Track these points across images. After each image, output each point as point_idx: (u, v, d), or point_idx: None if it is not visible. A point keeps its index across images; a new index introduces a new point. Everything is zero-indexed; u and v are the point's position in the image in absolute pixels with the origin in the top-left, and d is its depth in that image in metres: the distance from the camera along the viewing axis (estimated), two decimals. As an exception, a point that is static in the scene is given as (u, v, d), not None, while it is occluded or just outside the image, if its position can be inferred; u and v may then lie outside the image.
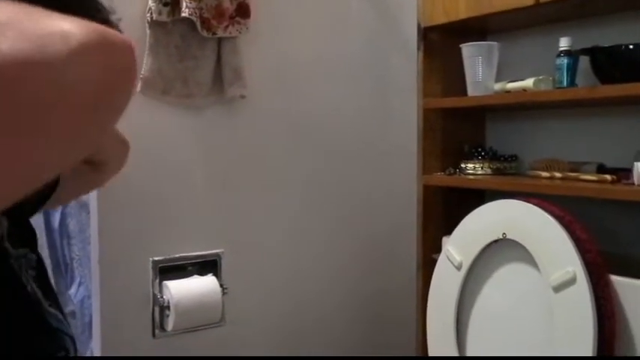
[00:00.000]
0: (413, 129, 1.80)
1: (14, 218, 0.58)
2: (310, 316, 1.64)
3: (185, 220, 1.43)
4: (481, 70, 1.63)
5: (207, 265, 1.45)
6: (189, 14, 1.31)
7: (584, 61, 1.47)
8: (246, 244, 1.52)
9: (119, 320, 1.35)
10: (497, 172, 1.72)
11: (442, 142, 1.82)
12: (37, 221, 1.72)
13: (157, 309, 1.38)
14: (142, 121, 1.36)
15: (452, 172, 1.76)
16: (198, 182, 1.45)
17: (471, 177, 1.71)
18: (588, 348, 1.21)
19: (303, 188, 1.62)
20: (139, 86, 1.33)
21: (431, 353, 1.55)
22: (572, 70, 1.48)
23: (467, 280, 1.49)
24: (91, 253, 1.39)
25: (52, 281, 1.74)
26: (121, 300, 1.35)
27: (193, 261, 1.44)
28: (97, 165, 0.63)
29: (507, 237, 1.40)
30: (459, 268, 1.49)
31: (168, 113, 1.39)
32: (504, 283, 1.44)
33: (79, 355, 0.60)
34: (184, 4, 1.31)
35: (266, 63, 1.52)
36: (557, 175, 1.54)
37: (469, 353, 1.49)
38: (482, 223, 1.48)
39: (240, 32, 1.41)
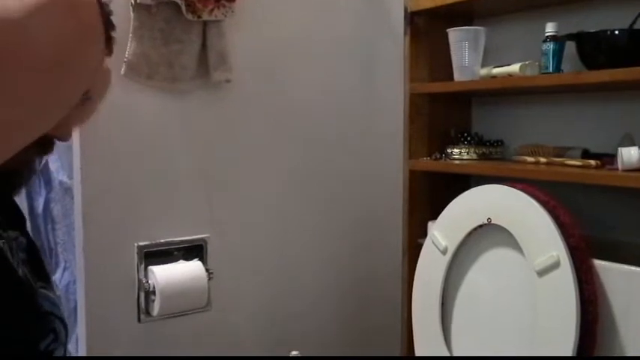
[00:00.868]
0: (399, 114, 1.80)
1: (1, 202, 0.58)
2: (297, 301, 1.65)
3: (170, 205, 1.43)
4: (467, 55, 1.63)
5: (192, 250, 1.45)
6: (173, -3, 1.30)
7: (570, 47, 1.47)
8: (232, 228, 1.52)
9: (104, 306, 1.35)
10: (482, 157, 1.72)
11: (428, 127, 1.82)
12: (20, 206, 1.71)
13: (142, 294, 1.38)
14: (126, 105, 1.35)
15: (438, 157, 1.77)
16: (184, 167, 1.44)
17: (457, 162, 1.71)
18: (571, 331, 1.22)
19: (289, 173, 1.62)
20: (123, 70, 1.32)
21: (416, 337, 1.56)
22: (558, 55, 1.48)
23: (452, 265, 1.50)
24: (75, 238, 1.39)
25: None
26: (106, 285, 1.35)
27: (179, 246, 1.43)
28: (83, 99, 0.62)
29: (492, 222, 1.41)
30: (444, 252, 1.50)
31: (153, 97, 1.38)
32: (489, 267, 1.46)
33: (70, 334, 0.60)
34: (169, -13, 1.29)
35: (252, 47, 1.51)
36: (542, 160, 1.55)
37: (454, 337, 1.50)
38: (467, 208, 1.49)
39: (225, 16, 1.40)
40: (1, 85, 0.38)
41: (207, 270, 1.42)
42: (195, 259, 1.44)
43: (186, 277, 1.39)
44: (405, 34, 1.78)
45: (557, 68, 1.48)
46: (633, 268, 1.25)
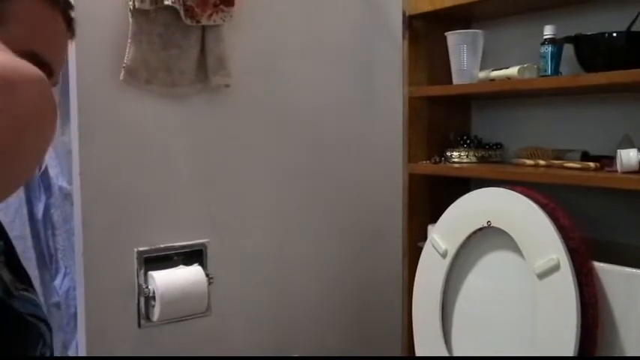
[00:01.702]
0: (398, 117, 1.80)
1: None
2: (297, 306, 1.65)
3: (170, 210, 1.43)
4: (466, 58, 1.63)
5: (192, 255, 1.45)
6: (172, 2, 1.30)
7: (568, 49, 1.47)
8: (232, 233, 1.52)
9: (104, 311, 1.35)
10: (482, 160, 1.72)
11: (427, 131, 1.82)
12: (20, 212, 1.70)
13: (142, 299, 1.38)
14: (125, 110, 1.35)
15: (437, 160, 1.76)
16: (183, 172, 1.44)
17: (456, 165, 1.71)
18: (572, 334, 1.22)
19: (289, 177, 1.61)
20: (122, 75, 1.32)
21: (416, 341, 1.56)
22: (556, 58, 1.48)
23: (452, 268, 1.50)
24: (75, 244, 1.39)
25: (37, 272, 1.73)
26: (106, 291, 1.35)
27: (179, 251, 1.43)
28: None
29: (492, 225, 1.40)
30: (444, 256, 1.50)
31: (152, 102, 1.38)
32: (489, 270, 1.45)
33: (56, 339, 0.59)
34: (167, -8, 1.30)
35: (250, 51, 1.51)
36: (542, 162, 1.55)
37: (454, 341, 1.50)
38: (467, 211, 1.49)
39: (224, 20, 1.40)
40: None
41: (207, 275, 1.42)
42: (195, 264, 1.44)
43: (186, 282, 1.39)
44: (403, 37, 1.78)
45: (556, 71, 1.48)
46: (633, 270, 1.24)
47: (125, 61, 1.32)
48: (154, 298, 1.36)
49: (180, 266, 1.42)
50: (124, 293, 1.37)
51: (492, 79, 1.63)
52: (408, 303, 1.66)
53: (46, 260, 1.76)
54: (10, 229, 1.67)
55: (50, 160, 1.67)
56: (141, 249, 1.38)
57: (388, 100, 1.79)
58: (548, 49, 1.48)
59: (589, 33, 1.40)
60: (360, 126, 1.74)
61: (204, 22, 1.37)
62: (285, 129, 1.60)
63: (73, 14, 0.68)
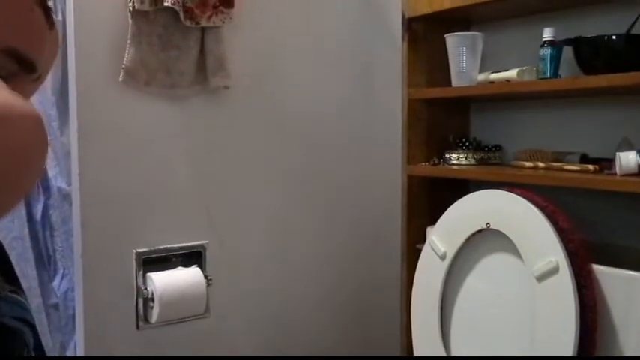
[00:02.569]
0: (397, 119, 1.80)
1: None
2: (296, 307, 1.65)
3: (169, 211, 1.42)
4: (465, 60, 1.63)
5: (191, 257, 1.45)
6: (171, 4, 1.30)
7: (567, 52, 1.47)
8: (230, 235, 1.52)
9: (103, 312, 1.34)
10: (481, 162, 1.72)
11: (426, 133, 1.82)
12: (19, 213, 1.70)
13: (140, 301, 1.38)
14: (124, 111, 1.35)
15: (436, 162, 1.77)
16: (182, 173, 1.44)
17: (455, 167, 1.71)
18: (570, 337, 1.22)
19: (288, 179, 1.61)
20: (121, 76, 1.32)
21: (415, 342, 1.56)
22: (555, 60, 1.48)
23: (451, 270, 1.50)
24: (74, 245, 1.38)
25: (35, 273, 1.72)
26: (105, 292, 1.35)
27: (177, 252, 1.43)
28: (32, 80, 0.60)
29: (491, 227, 1.40)
30: (443, 258, 1.50)
31: (151, 104, 1.38)
32: (488, 272, 1.45)
33: (54, 339, 0.58)
34: (167, -6, 1.30)
35: (250, 53, 1.51)
36: (541, 165, 1.55)
37: (453, 343, 1.50)
38: (466, 214, 1.49)
39: (223, 22, 1.40)
40: None
41: (205, 276, 1.42)
42: (194, 266, 1.43)
43: (185, 283, 1.38)
44: (402, 39, 1.79)
45: (555, 73, 1.48)
46: (632, 272, 1.24)
47: (124, 62, 1.31)
48: (152, 299, 1.35)
49: (179, 267, 1.42)
50: (123, 294, 1.37)
51: (491, 82, 1.63)
52: (407, 305, 1.66)
53: (45, 261, 1.76)
54: (9, 230, 1.67)
55: (49, 162, 1.67)
56: (140, 250, 1.38)
57: (387, 101, 1.79)
58: (547, 52, 1.48)
59: (588, 36, 1.41)
60: (359, 127, 1.74)
61: (203, 23, 1.37)
62: (284, 130, 1.60)
63: (50, 3, 0.66)
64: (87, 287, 1.33)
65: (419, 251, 1.60)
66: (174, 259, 1.42)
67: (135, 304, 1.38)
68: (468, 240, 1.47)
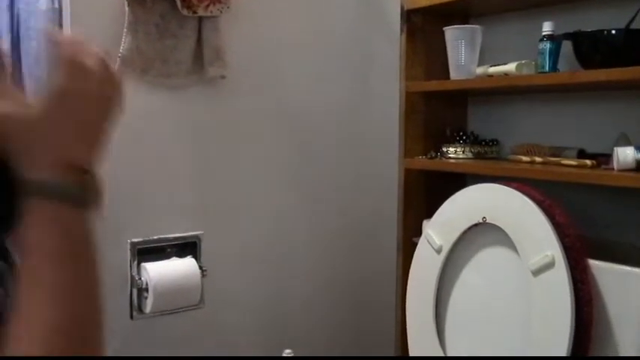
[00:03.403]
0: (395, 112, 1.79)
1: None
2: (290, 299, 1.64)
3: (164, 202, 1.42)
4: (464, 53, 1.63)
5: (186, 247, 1.44)
6: (169, -8, 1.29)
7: (566, 46, 1.47)
8: (226, 225, 1.51)
9: (97, 302, 1.34)
10: (478, 156, 1.72)
11: (424, 126, 1.81)
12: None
13: (135, 291, 1.37)
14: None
15: (433, 155, 1.76)
16: (178, 163, 1.44)
17: (453, 161, 1.71)
18: (566, 331, 1.22)
19: (284, 170, 1.61)
20: (117, 65, 1.31)
21: (410, 336, 1.56)
22: (554, 54, 1.47)
23: (447, 264, 1.50)
24: (68, 234, 1.38)
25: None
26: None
27: (172, 243, 1.43)
28: None
29: (487, 221, 1.40)
30: (438, 251, 1.50)
31: (148, 93, 1.37)
32: (484, 266, 1.45)
33: None
34: (164, -18, 1.29)
35: (247, 43, 1.51)
36: (538, 159, 1.54)
37: (448, 336, 1.50)
38: (462, 207, 1.49)
39: (221, 11, 1.39)
40: None
41: (200, 267, 1.41)
42: (189, 257, 1.43)
43: (180, 274, 1.38)
44: (401, 32, 1.78)
45: (554, 67, 1.48)
46: (628, 268, 1.24)
47: (121, 50, 1.30)
48: (146, 289, 1.35)
49: (174, 258, 1.41)
50: (117, 284, 1.36)
51: (490, 75, 1.62)
52: (402, 298, 1.66)
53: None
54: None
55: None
56: (134, 240, 1.37)
57: (385, 94, 1.78)
58: (546, 46, 1.47)
59: (588, 30, 1.40)
60: (356, 120, 1.73)
61: (200, 12, 1.36)
62: (281, 121, 1.59)
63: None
64: (81, 277, 1.32)
65: (415, 245, 1.60)
66: (169, 249, 1.42)
67: (129, 294, 1.37)
68: (464, 234, 1.46)
